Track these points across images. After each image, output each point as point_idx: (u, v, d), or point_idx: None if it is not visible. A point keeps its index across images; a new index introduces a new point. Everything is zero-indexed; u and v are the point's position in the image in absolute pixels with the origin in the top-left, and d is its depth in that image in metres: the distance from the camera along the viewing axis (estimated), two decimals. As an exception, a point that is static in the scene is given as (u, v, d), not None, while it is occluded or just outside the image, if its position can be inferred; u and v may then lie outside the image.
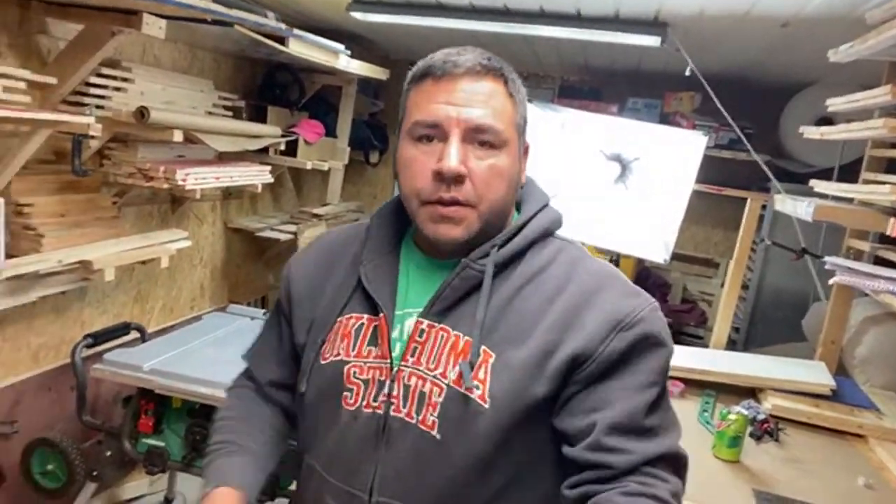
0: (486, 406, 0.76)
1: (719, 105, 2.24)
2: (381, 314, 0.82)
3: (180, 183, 1.98)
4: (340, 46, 2.53)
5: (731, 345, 2.70)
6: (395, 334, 0.82)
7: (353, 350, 0.83)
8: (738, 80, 2.89)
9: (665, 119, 3.05)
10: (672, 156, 2.18)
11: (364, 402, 0.81)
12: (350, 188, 3.80)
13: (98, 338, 1.95)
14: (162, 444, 1.83)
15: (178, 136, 1.92)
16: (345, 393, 0.82)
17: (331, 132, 3.06)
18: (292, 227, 2.87)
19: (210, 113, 2.41)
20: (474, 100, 0.79)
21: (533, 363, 0.76)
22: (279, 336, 0.95)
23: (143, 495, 2.27)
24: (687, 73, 2.24)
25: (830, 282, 1.66)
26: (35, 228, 1.75)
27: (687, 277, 3.41)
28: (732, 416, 1.42)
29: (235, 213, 2.99)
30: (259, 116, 2.74)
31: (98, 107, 1.87)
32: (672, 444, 0.76)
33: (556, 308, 0.79)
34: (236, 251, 3.01)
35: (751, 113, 2.80)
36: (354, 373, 0.82)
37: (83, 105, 1.82)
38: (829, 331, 1.99)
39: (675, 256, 2.70)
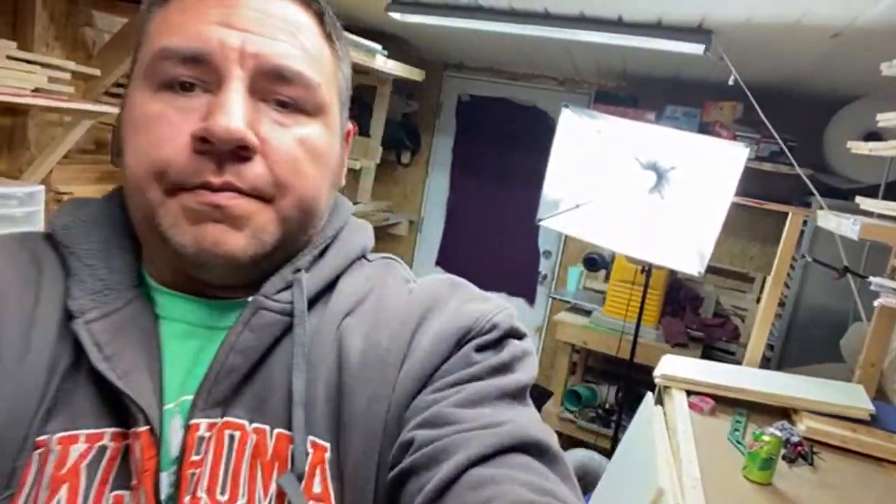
0: None
1: (763, 116, 2.18)
2: (146, 427, 0.43)
3: (215, 177, 2.01)
4: (377, 46, 2.53)
5: (765, 363, 2.63)
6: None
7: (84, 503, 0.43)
8: (782, 90, 2.81)
9: (704, 128, 2.98)
10: (710, 167, 2.13)
11: None
12: (380, 187, 3.83)
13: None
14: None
15: (214, 131, 1.94)
16: None
17: (363, 131, 3.07)
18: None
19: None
20: (273, 26, 0.46)
21: (380, 432, 0.47)
22: None
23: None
24: (730, 82, 2.19)
25: (875, 303, 1.61)
26: (74, 216, 1.79)
27: (720, 291, 3.33)
28: (766, 438, 1.38)
29: (268, 209, 3.02)
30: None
31: (139, 99, 1.91)
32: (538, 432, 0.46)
33: (384, 341, 0.50)
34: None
35: (794, 125, 2.72)
36: None
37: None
38: (869, 353, 1.92)
39: (710, 269, 2.64)
